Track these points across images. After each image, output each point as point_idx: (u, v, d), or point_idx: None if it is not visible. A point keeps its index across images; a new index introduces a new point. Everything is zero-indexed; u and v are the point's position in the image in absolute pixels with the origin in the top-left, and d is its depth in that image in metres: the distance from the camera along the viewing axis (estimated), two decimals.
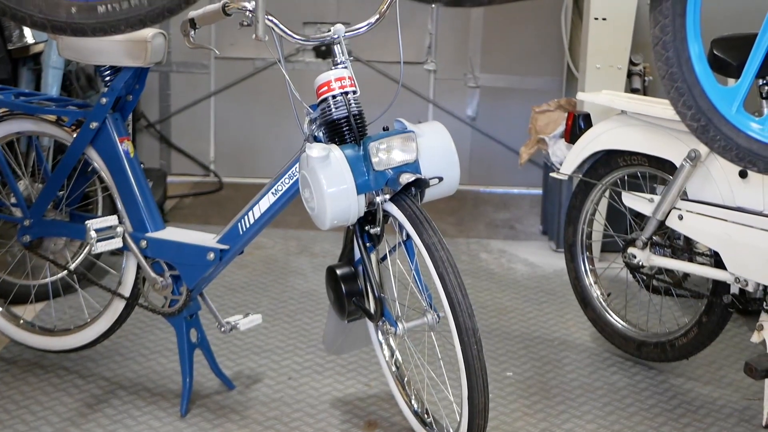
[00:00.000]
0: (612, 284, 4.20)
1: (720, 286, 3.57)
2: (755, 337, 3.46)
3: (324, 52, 3.13)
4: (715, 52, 3.39)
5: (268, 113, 6.06)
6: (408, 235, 2.97)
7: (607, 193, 4.02)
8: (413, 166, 2.97)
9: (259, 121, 6.14)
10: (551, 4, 5.67)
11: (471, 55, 6.12)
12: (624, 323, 3.95)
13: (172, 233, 3.45)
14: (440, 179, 3.01)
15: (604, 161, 3.88)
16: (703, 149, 3.45)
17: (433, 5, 2.40)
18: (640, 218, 3.81)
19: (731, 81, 3.71)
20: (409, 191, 2.96)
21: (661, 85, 2.51)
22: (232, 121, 6.20)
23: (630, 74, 4.95)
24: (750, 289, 3.44)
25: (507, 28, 6.05)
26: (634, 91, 5.00)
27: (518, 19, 6.01)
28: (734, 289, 3.51)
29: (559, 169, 4.05)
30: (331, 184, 2.89)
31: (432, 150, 3.02)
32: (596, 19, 4.79)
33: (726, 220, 3.46)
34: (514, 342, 4.08)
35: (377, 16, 3.08)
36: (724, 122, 2.48)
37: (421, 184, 2.96)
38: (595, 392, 3.66)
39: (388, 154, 2.93)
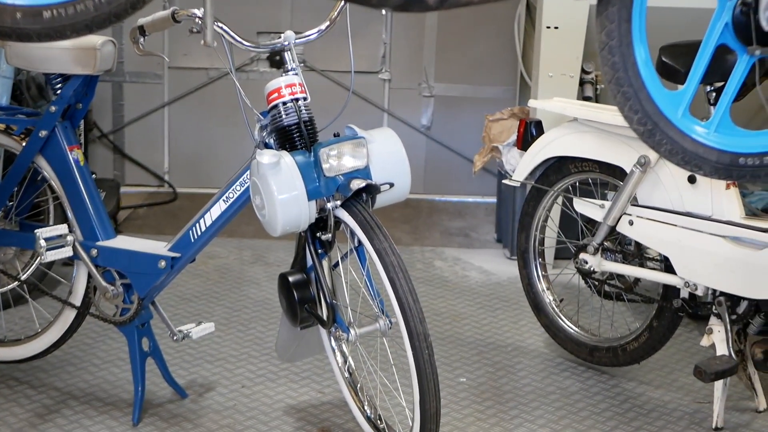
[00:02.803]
0: (565, 290, 4.23)
1: (670, 291, 3.61)
2: (705, 341, 3.50)
3: (278, 61, 3.12)
4: (663, 58, 3.43)
5: (223, 123, 6.04)
6: (359, 241, 2.97)
7: (559, 200, 4.05)
8: (364, 172, 2.98)
9: (213, 131, 6.13)
10: (504, 14, 5.71)
11: (425, 64, 6.14)
12: (576, 328, 3.97)
13: (123, 242, 3.44)
14: (391, 185, 3.02)
15: (555, 168, 3.91)
16: (652, 155, 3.48)
17: (383, 11, 2.40)
18: (591, 224, 3.84)
19: (680, 87, 3.75)
20: (360, 197, 2.97)
21: (608, 90, 2.53)
22: (187, 130, 6.18)
23: (582, 82, 4.98)
24: (699, 293, 3.47)
25: (461, 37, 6.08)
26: (586, 99, 5.03)
27: (472, 29, 6.04)
28: (684, 293, 3.55)
29: (511, 176, 4.07)
30: (282, 190, 2.89)
31: (383, 156, 3.03)
32: (548, 27, 4.82)
33: (675, 225, 3.49)
34: (468, 348, 4.09)
35: (327, 23, 3.09)
36: (670, 126, 2.50)
37: (371, 190, 2.96)
38: (547, 397, 3.68)
39: (338, 160, 2.94)
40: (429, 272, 4.97)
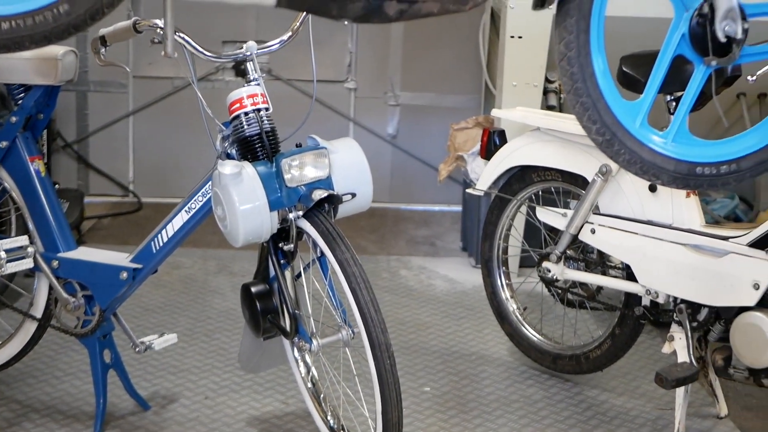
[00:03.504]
0: (528, 298, 4.25)
1: (632, 299, 3.63)
2: (666, 348, 3.51)
3: (244, 70, 3.12)
4: (624, 68, 3.45)
5: (188, 132, 6.02)
6: (322, 252, 2.97)
7: (523, 209, 4.06)
8: (326, 182, 2.98)
9: (178, 140, 6.11)
10: (469, 23, 5.72)
11: (391, 73, 6.15)
12: (540, 337, 3.99)
13: (85, 253, 3.42)
14: (353, 195, 3.02)
15: (519, 177, 3.93)
16: (614, 164, 3.50)
17: (346, 22, 2.40)
18: (554, 233, 3.86)
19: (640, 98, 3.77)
20: (323, 207, 2.97)
21: (567, 100, 2.55)
22: (152, 140, 6.16)
23: (546, 91, 5.01)
24: (661, 300, 3.50)
25: (426, 46, 6.09)
26: (550, 108, 5.05)
27: (437, 38, 6.05)
28: (645, 301, 3.57)
29: (475, 185, 4.09)
30: (244, 201, 2.89)
31: (345, 166, 3.03)
32: (512, 37, 4.84)
33: (636, 234, 3.52)
34: (433, 357, 4.09)
35: (290, 33, 3.10)
36: (628, 136, 2.52)
37: (333, 201, 2.96)
38: (511, 405, 3.69)
39: (300, 170, 2.94)
40: (394, 281, 4.97)
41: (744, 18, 2.40)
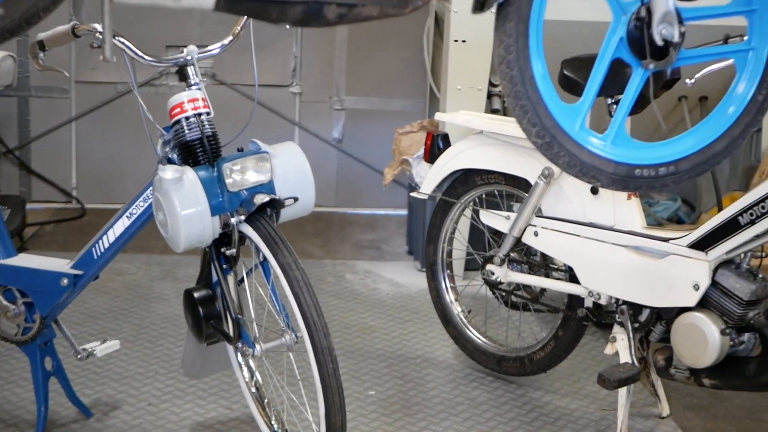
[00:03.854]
0: (473, 301, 4.26)
1: (575, 300, 3.65)
2: (609, 349, 3.54)
3: (185, 75, 3.12)
4: (565, 72, 3.48)
5: (132, 137, 5.98)
6: (264, 256, 2.96)
7: (467, 212, 4.08)
8: (268, 187, 2.97)
9: (122, 145, 6.06)
10: (414, 27, 5.73)
11: (336, 77, 6.15)
12: (484, 339, 4.01)
13: (25, 260, 3.38)
14: (295, 199, 3.01)
15: (462, 180, 3.94)
16: (556, 167, 3.52)
17: (288, 26, 2.40)
18: (498, 236, 3.87)
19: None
20: (265, 212, 2.96)
21: (507, 104, 2.56)
22: (95, 145, 6.10)
23: (490, 95, 5.03)
24: (603, 302, 3.52)
25: (371, 50, 6.10)
26: (494, 111, 5.08)
27: (382, 42, 6.06)
28: (588, 302, 3.59)
29: (420, 189, 4.10)
30: (185, 205, 2.87)
31: (287, 170, 3.03)
32: (456, 41, 4.86)
33: (579, 236, 3.54)
34: (378, 361, 4.10)
35: (231, 37, 3.10)
36: (567, 139, 2.54)
37: (275, 205, 2.96)
38: (455, 408, 3.70)
39: (242, 175, 2.93)
40: (340, 285, 4.97)
41: (681, 22, 2.42)
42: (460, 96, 4.87)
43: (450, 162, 3.91)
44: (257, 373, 3.32)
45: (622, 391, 3.48)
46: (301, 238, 5.57)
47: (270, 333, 3.09)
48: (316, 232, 5.76)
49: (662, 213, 5.37)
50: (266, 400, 3.30)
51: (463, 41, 4.85)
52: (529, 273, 3.79)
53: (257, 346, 3.01)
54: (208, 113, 3.01)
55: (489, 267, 3.82)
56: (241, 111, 5.49)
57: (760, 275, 3.27)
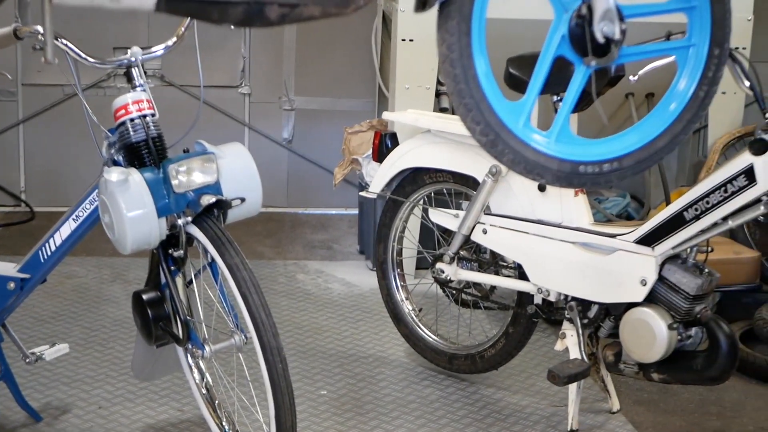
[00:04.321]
0: (425, 299, 4.27)
1: (524, 297, 3.67)
2: (559, 345, 3.57)
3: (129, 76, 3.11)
4: (510, 70, 3.50)
5: (80, 139, 5.92)
6: (212, 257, 2.95)
7: (417, 211, 4.08)
8: (214, 188, 2.97)
9: (71, 148, 6.01)
10: (362, 27, 5.74)
11: (285, 77, 6.14)
12: (435, 337, 4.02)
13: None
14: (242, 200, 3.01)
15: (411, 179, 3.95)
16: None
17: (233, 26, 2.39)
18: (448, 234, 3.89)
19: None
20: (212, 213, 2.95)
21: (451, 102, 2.57)
22: (43, 148, 6.05)
23: (438, 94, 5.04)
24: (552, 298, 3.55)
25: (320, 50, 6.10)
26: (443, 110, 5.09)
27: (331, 42, 6.06)
28: (537, 299, 3.61)
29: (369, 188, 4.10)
30: (131, 207, 2.86)
31: (233, 171, 3.02)
32: (404, 40, 4.87)
33: (527, 233, 3.56)
34: (330, 360, 4.10)
35: (175, 38, 3.09)
36: (511, 136, 2.55)
37: (222, 206, 2.96)
38: (407, 406, 3.71)
39: (188, 176, 2.93)
40: (291, 286, 4.96)
41: (621, 19, 2.45)
42: (409, 95, 4.88)
43: (398, 161, 3.92)
44: (207, 375, 3.31)
45: (573, 387, 3.51)
46: (252, 238, 5.56)
47: (220, 334, 3.08)
48: (267, 233, 5.74)
49: (612, 209, 5.42)
50: (217, 402, 3.29)
51: (411, 40, 4.86)
52: (479, 271, 3.81)
53: (206, 348, 3.01)
54: (153, 115, 3.00)
55: (439, 265, 3.83)
56: (190, 112, 5.41)
57: (706, 270, 3.31)
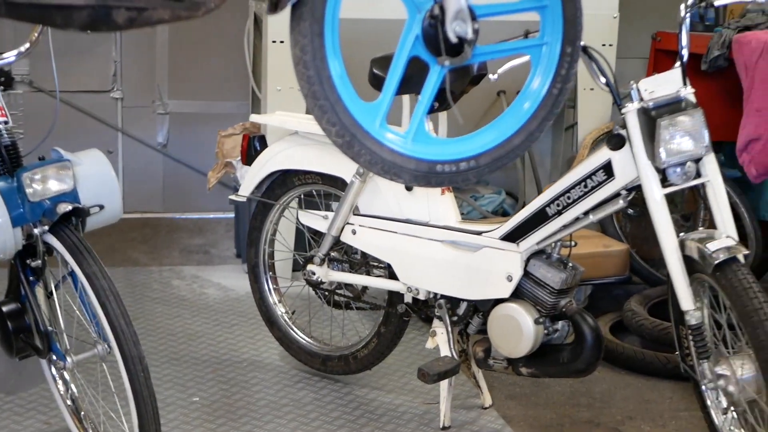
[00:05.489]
0: (299, 302, 4.25)
1: (395, 297, 3.68)
2: (430, 343, 3.59)
3: (3, 82, 3.04)
4: (374, 70, 3.50)
5: None
6: (72, 267, 2.90)
7: (291, 213, 4.06)
8: (71, 195, 2.92)
9: None
10: (235, 29, 5.68)
11: (158, 81, 6.06)
12: (309, 339, 4.01)
13: None
14: (101, 207, 2.96)
15: (280, 182, 3.93)
16: None
17: (88, 32, 2.35)
18: (319, 236, 3.87)
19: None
20: (69, 221, 2.90)
21: (306, 104, 2.57)
22: None
23: None
24: (422, 297, 3.56)
25: (194, 53, 6.04)
26: None
27: (204, 45, 6.00)
28: (408, 298, 3.63)
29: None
30: None
31: (91, 178, 2.98)
32: (274, 42, 4.85)
33: (395, 232, 3.58)
34: (203, 366, 4.05)
35: (28, 44, 3.03)
36: (367, 137, 2.56)
37: (80, 214, 2.91)
38: (281, 410, 3.69)
39: (43, 184, 2.88)
40: (166, 292, 4.90)
41: (474, 18, 2.47)
42: (281, 97, 4.86)
43: (267, 163, 3.90)
44: (72, 386, 3.25)
45: (444, 384, 3.53)
46: (127, 245, 5.48)
47: (86, 344, 3.03)
48: (142, 239, 5.67)
49: (487, 207, 5.47)
50: (83, 413, 3.24)
51: (281, 42, 4.84)
52: (350, 271, 3.81)
53: (68, 358, 2.97)
54: (6, 122, 2.95)
55: (310, 267, 3.82)
56: (61, 118, 5.36)
57: (570, 264, 3.36)
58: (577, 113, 5.24)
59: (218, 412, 3.66)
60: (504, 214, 5.46)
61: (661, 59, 5.17)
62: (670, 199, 3.16)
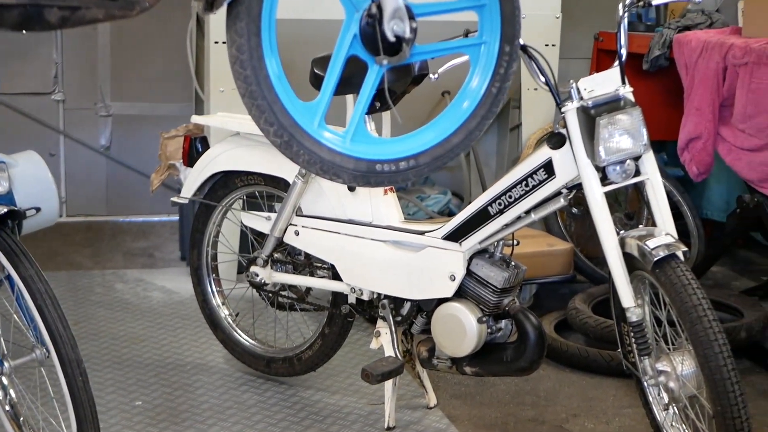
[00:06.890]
0: (243, 304, 4.22)
1: (339, 297, 3.67)
2: (374, 344, 3.58)
3: None
4: (315, 70, 3.48)
5: None
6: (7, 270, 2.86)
7: (232, 215, 4.04)
8: (6, 198, 2.89)
9: None
10: (178, 30, 5.64)
11: (101, 83, 6.00)
12: (253, 342, 3.98)
13: None
14: (37, 210, 2.93)
15: (222, 183, 3.91)
16: None
17: (22, 31, 2.32)
18: (262, 237, 3.85)
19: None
20: (5, 224, 2.85)
21: (244, 104, 2.55)
22: None
23: None
24: (366, 297, 3.55)
25: (136, 54, 5.99)
26: None
27: (147, 45, 5.96)
28: (351, 298, 3.62)
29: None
30: None
31: (27, 180, 2.95)
32: (216, 42, 4.82)
33: (338, 233, 3.57)
34: (146, 370, 4.02)
35: None
36: (306, 137, 2.55)
37: (16, 216, 2.86)
38: (224, 412, 3.67)
39: None
40: (109, 296, 4.85)
41: (412, 17, 2.47)
42: (224, 98, 4.82)
43: (208, 165, 3.87)
44: (11, 391, 3.20)
45: (388, 384, 3.53)
46: (69, 248, 5.43)
47: (24, 349, 2.98)
48: (86, 243, 5.61)
49: (434, 207, 5.48)
50: (21, 418, 3.18)
51: (224, 42, 4.78)
52: (294, 272, 3.79)
53: (6, 363, 2.93)
54: None
55: (253, 269, 3.80)
56: (0, 121, 5.30)
57: (513, 263, 3.37)
58: (521, 113, 5.25)
59: (161, 416, 3.63)
60: (450, 214, 5.46)
61: (603, 59, 5.21)
62: (614, 197, 3.18)
